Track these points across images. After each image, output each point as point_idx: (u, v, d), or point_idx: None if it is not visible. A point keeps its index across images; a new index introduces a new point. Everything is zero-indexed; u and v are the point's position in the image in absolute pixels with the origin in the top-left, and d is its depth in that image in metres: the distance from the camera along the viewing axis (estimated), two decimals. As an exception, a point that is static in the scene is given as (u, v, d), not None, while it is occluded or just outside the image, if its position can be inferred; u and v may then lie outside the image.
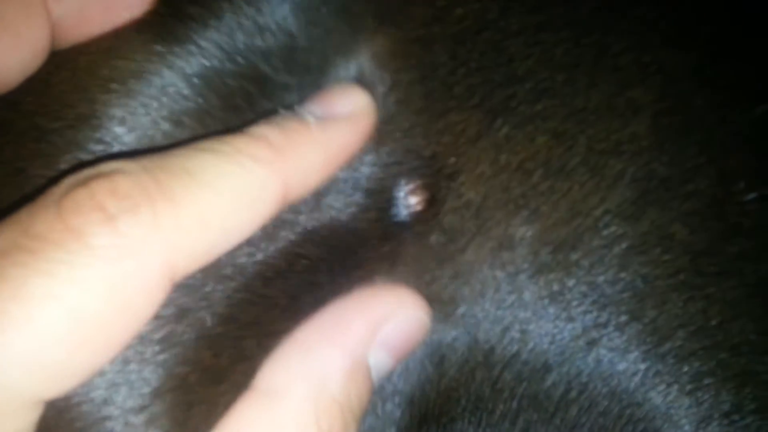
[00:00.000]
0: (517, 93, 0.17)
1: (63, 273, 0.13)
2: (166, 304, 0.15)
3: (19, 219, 0.14)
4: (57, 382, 0.13)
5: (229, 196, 0.14)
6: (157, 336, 0.16)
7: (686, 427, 0.17)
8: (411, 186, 0.17)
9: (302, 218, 0.17)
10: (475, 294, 0.17)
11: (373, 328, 0.16)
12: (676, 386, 0.17)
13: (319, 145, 0.16)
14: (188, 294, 0.16)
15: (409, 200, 0.17)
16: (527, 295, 0.17)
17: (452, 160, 0.17)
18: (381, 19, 0.18)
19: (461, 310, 0.17)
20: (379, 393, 0.17)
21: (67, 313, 0.13)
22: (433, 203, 0.17)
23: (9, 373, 0.13)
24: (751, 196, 0.18)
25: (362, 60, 0.18)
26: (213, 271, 0.16)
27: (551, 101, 0.17)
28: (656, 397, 0.17)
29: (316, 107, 0.17)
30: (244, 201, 0.15)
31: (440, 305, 0.17)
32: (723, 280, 0.17)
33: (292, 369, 0.16)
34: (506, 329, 0.17)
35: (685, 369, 0.17)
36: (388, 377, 0.17)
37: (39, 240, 0.13)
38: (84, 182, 0.14)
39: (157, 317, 0.16)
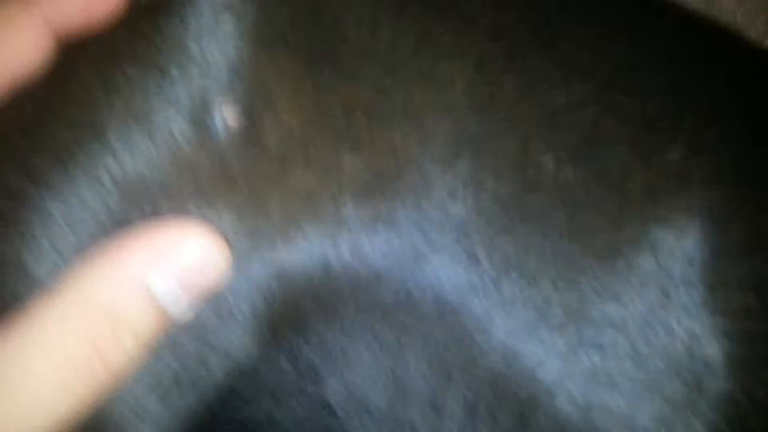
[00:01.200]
0: (340, 50, 0.21)
1: None
2: None
3: None
4: None
5: None
6: None
7: (496, 336, 0.20)
8: (227, 104, 0.20)
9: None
10: (310, 216, 0.20)
11: (156, 253, 0.18)
12: (491, 301, 0.20)
13: None
14: None
15: (226, 119, 0.20)
16: (358, 216, 0.20)
17: (274, 89, 0.20)
18: None
19: (299, 231, 0.20)
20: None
21: None
22: (251, 126, 0.20)
23: None
24: (548, 158, 0.22)
25: None
26: None
27: (373, 63, 0.21)
28: (474, 307, 0.20)
29: None
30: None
31: (278, 227, 0.20)
32: (525, 223, 0.21)
33: (72, 280, 0.17)
34: (341, 246, 0.20)
35: (499, 289, 0.20)
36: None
37: None
38: None
39: None
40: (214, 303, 0.19)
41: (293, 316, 0.20)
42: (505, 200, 0.21)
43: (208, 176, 0.19)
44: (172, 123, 0.19)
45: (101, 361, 0.17)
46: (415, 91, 0.21)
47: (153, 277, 0.17)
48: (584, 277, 0.21)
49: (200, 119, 0.19)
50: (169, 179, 0.19)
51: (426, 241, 0.20)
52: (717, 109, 0.24)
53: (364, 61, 0.21)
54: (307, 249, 0.20)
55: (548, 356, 0.20)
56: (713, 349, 0.21)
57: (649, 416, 0.20)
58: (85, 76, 0.20)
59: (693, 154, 0.23)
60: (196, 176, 0.19)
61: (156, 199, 0.19)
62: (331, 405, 0.20)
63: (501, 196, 0.21)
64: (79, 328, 0.17)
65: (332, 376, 0.20)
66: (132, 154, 0.19)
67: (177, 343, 0.19)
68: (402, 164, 0.20)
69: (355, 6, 0.21)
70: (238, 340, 0.20)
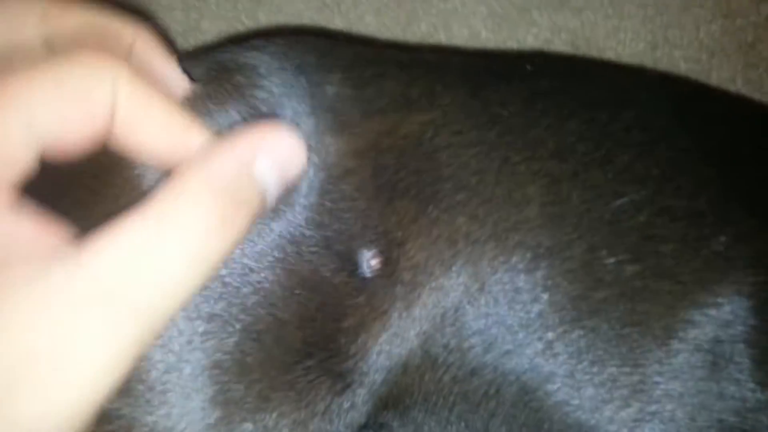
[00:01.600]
0: (443, 188, 0.26)
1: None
2: None
3: None
4: None
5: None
6: None
7: (572, 416, 0.25)
8: (372, 251, 0.25)
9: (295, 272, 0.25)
10: (430, 322, 0.25)
11: (258, 141, 0.20)
12: (566, 386, 0.25)
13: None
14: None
15: (371, 262, 0.25)
16: (461, 320, 0.25)
17: (399, 233, 0.25)
18: (343, 127, 0.26)
19: (420, 333, 0.25)
20: (369, 384, 0.25)
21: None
22: (388, 263, 0.25)
23: None
24: (611, 260, 0.27)
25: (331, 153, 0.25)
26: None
27: (467, 194, 0.26)
28: (551, 393, 0.25)
29: None
30: None
31: (406, 330, 0.25)
32: (592, 316, 0.25)
33: (193, 166, 0.19)
34: (447, 344, 0.25)
35: (573, 374, 0.25)
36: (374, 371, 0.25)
37: None
38: None
39: None
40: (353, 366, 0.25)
41: (397, 400, 0.26)
42: (575, 298, 0.26)
43: (358, 308, 0.25)
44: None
45: (230, 231, 0.19)
46: (501, 215, 0.26)
47: (259, 162, 0.20)
48: (646, 359, 0.25)
49: (351, 261, 0.25)
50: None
51: (513, 340, 0.25)
52: (758, 198, 0.28)
53: (460, 194, 0.26)
54: (422, 344, 0.25)
55: (618, 429, 0.24)
56: (763, 417, 0.25)
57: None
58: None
59: (737, 242, 0.27)
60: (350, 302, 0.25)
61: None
62: None
63: (572, 295, 0.26)
64: (208, 203, 0.19)
65: None
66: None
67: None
68: (495, 276, 0.26)
69: (448, 146, 0.27)
70: (347, 412, 0.25)
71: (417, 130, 0.26)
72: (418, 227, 0.26)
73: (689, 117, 0.31)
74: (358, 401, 0.25)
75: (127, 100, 0.19)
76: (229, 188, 0.19)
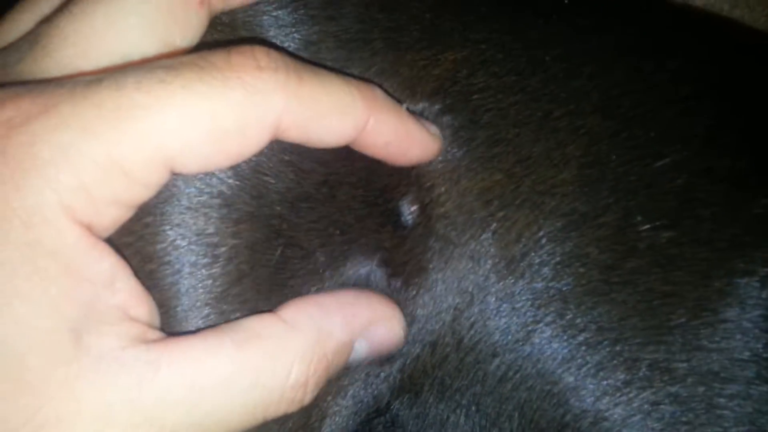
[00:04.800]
0: (478, 136, 0.24)
1: (215, 85, 0.17)
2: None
3: (200, 53, 0.18)
4: (187, 159, 0.18)
5: (335, 95, 0.19)
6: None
7: (588, 399, 0.24)
8: (409, 199, 0.24)
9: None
10: (461, 294, 0.24)
11: (369, 321, 0.21)
12: (585, 368, 0.24)
13: (404, 123, 0.21)
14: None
15: (411, 209, 0.24)
16: (489, 297, 0.24)
17: (429, 178, 0.24)
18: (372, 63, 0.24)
19: (451, 306, 0.24)
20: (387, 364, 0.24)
21: (207, 110, 0.17)
22: (423, 210, 0.24)
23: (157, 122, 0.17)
24: (646, 226, 0.25)
25: None
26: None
27: (505, 148, 0.24)
28: (570, 377, 0.24)
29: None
30: (342, 106, 0.19)
31: (435, 302, 0.24)
32: (622, 287, 0.24)
33: (310, 316, 0.19)
34: (474, 323, 0.24)
35: (592, 359, 0.24)
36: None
37: (209, 64, 0.18)
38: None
39: None
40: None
41: (416, 381, 0.25)
42: (606, 268, 0.25)
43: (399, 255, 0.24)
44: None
45: (302, 391, 0.19)
46: (538, 176, 0.24)
47: (359, 342, 0.20)
48: (673, 334, 0.24)
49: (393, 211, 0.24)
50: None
51: (537, 316, 0.24)
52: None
53: (497, 147, 0.24)
54: (452, 321, 0.25)
55: (633, 413, 0.24)
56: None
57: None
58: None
59: (780, 204, 0.26)
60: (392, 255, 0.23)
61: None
62: None
63: (602, 266, 0.25)
64: (309, 358, 0.19)
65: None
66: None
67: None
68: (525, 248, 0.24)
69: (485, 88, 0.25)
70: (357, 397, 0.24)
71: (450, 69, 0.24)
72: (448, 172, 0.24)
73: (737, 66, 0.28)
74: (391, 371, 0.24)
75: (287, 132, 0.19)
76: (328, 353, 0.19)
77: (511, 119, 0.25)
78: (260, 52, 0.18)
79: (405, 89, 0.24)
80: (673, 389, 0.24)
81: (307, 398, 0.19)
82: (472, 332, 0.24)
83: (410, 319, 0.24)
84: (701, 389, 0.24)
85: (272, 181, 0.22)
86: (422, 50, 0.24)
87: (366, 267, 0.23)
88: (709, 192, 0.25)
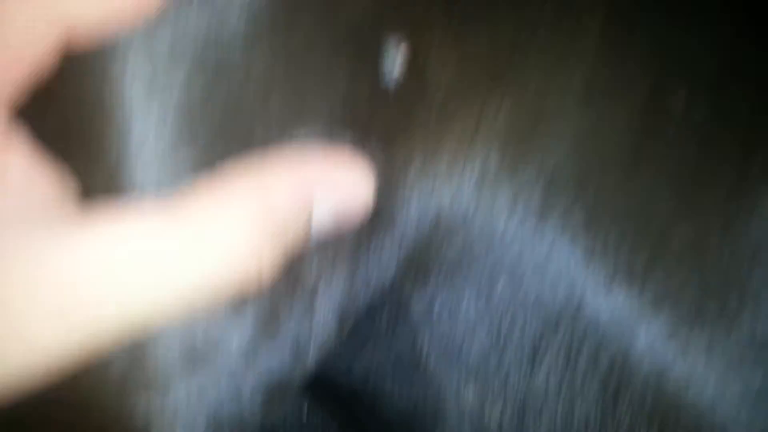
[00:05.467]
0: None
1: None
2: None
3: None
4: None
5: None
6: None
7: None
8: (396, 40, 0.20)
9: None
10: (462, 162, 0.21)
11: (324, 175, 0.18)
12: (603, 250, 0.22)
13: None
14: None
15: (397, 49, 0.20)
16: (492, 168, 0.21)
17: (430, 38, 0.21)
18: None
19: (450, 179, 0.21)
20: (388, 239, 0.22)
21: None
22: (415, 56, 0.20)
23: None
24: (678, 105, 0.22)
25: None
26: None
27: (506, 13, 0.21)
28: (587, 260, 0.22)
29: None
30: None
31: (435, 173, 0.21)
32: (654, 162, 0.22)
33: (249, 178, 0.17)
34: (479, 201, 0.21)
35: (615, 238, 0.21)
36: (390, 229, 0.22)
37: None
38: None
39: None
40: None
41: (422, 263, 0.22)
42: (630, 147, 0.22)
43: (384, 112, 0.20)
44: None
45: (266, 252, 0.17)
46: (549, 39, 0.22)
47: (318, 191, 0.18)
48: (708, 215, 0.22)
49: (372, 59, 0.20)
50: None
51: (546, 201, 0.21)
52: None
53: (499, 5, 0.21)
54: (447, 198, 0.22)
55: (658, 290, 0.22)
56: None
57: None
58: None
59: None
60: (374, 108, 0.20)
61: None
62: (420, 356, 0.22)
63: (627, 143, 0.22)
64: (257, 216, 0.17)
65: (427, 327, 0.22)
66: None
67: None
68: (542, 112, 0.22)
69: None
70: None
71: None
72: (445, 33, 0.21)
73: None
74: (392, 246, 0.22)
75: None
76: (279, 209, 0.17)
77: None
78: None
79: None
80: (702, 272, 0.21)
81: (264, 271, 0.17)
82: (477, 212, 0.22)
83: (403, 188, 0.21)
84: (733, 273, 0.21)
85: None
86: None
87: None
88: (750, 68, 0.23)
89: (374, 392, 0.23)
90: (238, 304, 0.19)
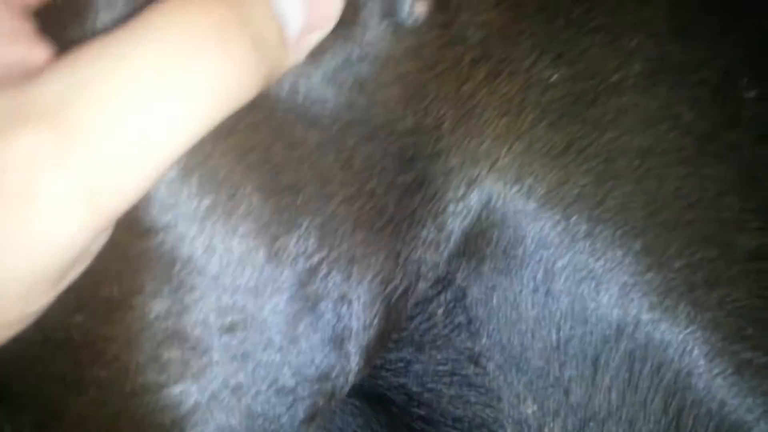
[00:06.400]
0: None
1: None
2: None
3: None
4: None
5: None
6: None
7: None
8: None
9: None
10: (511, 131, 0.19)
11: None
12: (667, 251, 0.19)
13: None
14: None
15: (415, 5, 0.18)
16: (544, 145, 0.19)
17: None
18: None
19: (504, 153, 0.19)
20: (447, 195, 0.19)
21: None
22: (441, 9, 0.18)
23: None
24: (752, 93, 0.20)
25: None
26: None
27: None
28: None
29: None
30: None
31: (488, 137, 0.19)
32: (719, 161, 0.20)
33: None
34: (525, 176, 0.19)
35: (675, 236, 0.19)
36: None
37: None
38: None
39: None
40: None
41: (475, 250, 0.20)
42: (701, 136, 0.20)
43: (404, 68, 0.18)
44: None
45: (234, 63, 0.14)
46: (616, 6, 0.19)
47: None
48: None
49: (389, 7, 0.18)
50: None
51: (605, 178, 0.19)
52: None
53: None
54: (496, 185, 0.19)
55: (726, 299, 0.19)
56: None
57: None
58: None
59: None
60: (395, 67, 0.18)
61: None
62: (479, 362, 0.20)
63: (697, 132, 0.20)
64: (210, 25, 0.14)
65: (487, 330, 0.20)
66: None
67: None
68: (599, 87, 0.19)
69: None
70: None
71: None
72: None
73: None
74: (447, 230, 0.19)
75: None
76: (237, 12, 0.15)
77: None
78: None
79: None
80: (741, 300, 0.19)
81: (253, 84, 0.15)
82: (528, 190, 0.19)
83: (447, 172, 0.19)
84: None
85: None
86: None
87: None
88: None
89: (431, 398, 0.20)
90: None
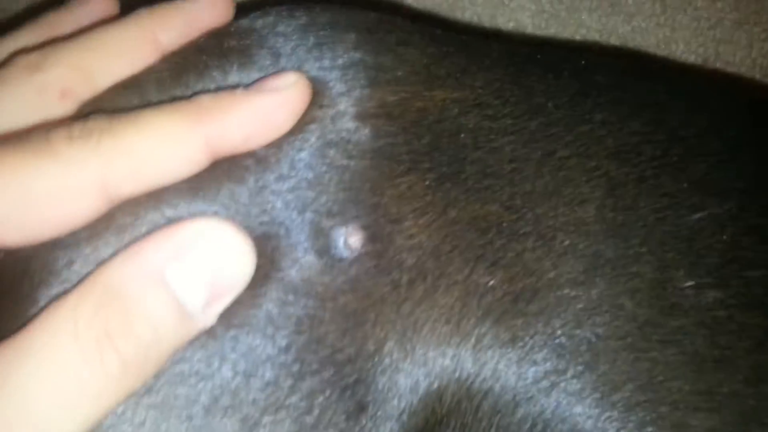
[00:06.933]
0: (465, 170, 0.21)
1: (28, 160, 0.18)
2: None
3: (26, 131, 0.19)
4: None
5: (155, 137, 0.18)
6: None
7: None
8: (349, 228, 0.20)
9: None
10: (453, 333, 0.20)
11: (177, 247, 0.17)
12: (624, 430, 0.20)
13: (240, 107, 0.19)
14: None
15: (350, 239, 0.20)
16: (493, 340, 0.20)
17: (395, 209, 0.20)
18: (345, 91, 0.21)
19: (443, 347, 0.20)
20: (388, 410, 0.20)
21: (21, 184, 0.17)
22: (374, 240, 0.20)
23: None
24: (688, 283, 0.22)
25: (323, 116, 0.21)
26: None
27: (498, 182, 0.21)
28: None
29: (252, 85, 0.20)
30: (166, 142, 0.18)
31: (421, 341, 0.20)
32: (665, 347, 0.20)
33: (97, 274, 0.17)
34: (481, 367, 0.20)
35: (631, 418, 0.20)
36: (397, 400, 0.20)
37: (26, 141, 0.18)
38: (70, 123, 0.19)
39: None
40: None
41: (431, 428, 0.20)
42: (644, 324, 0.21)
43: (343, 300, 0.20)
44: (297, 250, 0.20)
45: (114, 349, 0.16)
46: (546, 210, 0.21)
47: (172, 269, 0.17)
48: (727, 403, 0.20)
49: (322, 245, 0.20)
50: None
51: (558, 368, 0.20)
52: None
53: (488, 180, 0.21)
54: (449, 367, 0.20)
55: None
56: None
57: None
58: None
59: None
60: (333, 301, 0.20)
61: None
62: None
63: (640, 321, 0.21)
64: (88, 311, 0.16)
65: None
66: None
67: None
68: (537, 285, 0.21)
69: (476, 128, 0.22)
70: None
71: (438, 106, 0.22)
72: (425, 204, 0.21)
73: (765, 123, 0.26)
74: (393, 419, 0.20)
75: None
76: (122, 296, 0.16)
77: (506, 156, 0.22)
78: (76, 125, 0.18)
79: (372, 115, 0.22)
80: None
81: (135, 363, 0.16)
82: (480, 377, 0.20)
83: (368, 360, 0.20)
84: None
85: None
86: (408, 85, 0.22)
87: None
88: (757, 252, 0.22)
89: None
90: None
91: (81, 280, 0.17)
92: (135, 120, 0.19)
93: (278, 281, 0.19)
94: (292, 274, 0.19)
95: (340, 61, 0.22)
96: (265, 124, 0.19)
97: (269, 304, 0.19)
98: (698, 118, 0.25)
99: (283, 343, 0.19)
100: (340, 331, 0.19)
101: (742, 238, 0.22)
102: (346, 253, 0.20)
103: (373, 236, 0.20)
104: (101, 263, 0.18)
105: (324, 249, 0.19)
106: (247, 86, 0.20)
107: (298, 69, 0.21)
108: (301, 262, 0.20)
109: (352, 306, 0.20)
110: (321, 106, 0.21)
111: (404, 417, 0.20)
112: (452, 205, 0.21)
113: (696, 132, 0.24)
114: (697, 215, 0.22)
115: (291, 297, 0.19)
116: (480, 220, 0.21)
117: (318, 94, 0.21)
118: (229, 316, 0.19)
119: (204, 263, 0.17)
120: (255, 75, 0.21)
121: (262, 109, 0.19)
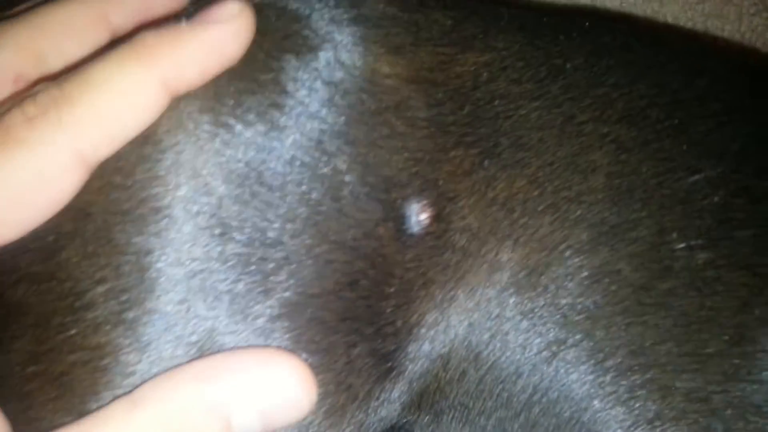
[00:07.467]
0: (501, 143, 0.22)
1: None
2: None
3: None
4: None
5: (113, 92, 0.18)
6: None
7: (618, 431, 0.22)
8: (421, 203, 0.21)
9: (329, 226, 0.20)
10: (475, 307, 0.22)
11: (243, 382, 0.17)
12: (614, 396, 0.22)
13: (190, 42, 0.19)
14: None
15: (420, 216, 0.21)
16: (508, 311, 0.22)
17: (452, 186, 0.21)
18: (393, 50, 0.22)
19: (464, 319, 0.22)
20: (406, 375, 0.22)
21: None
22: (438, 220, 0.21)
23: None
24: (681, 245, 0.23)
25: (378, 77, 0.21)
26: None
27: (527, 154, 0.22)
28: (599, 404, 0.22)
29: (194, 18, 0.19)
30: (127, 96, 0.18)
31: (448, 314, 0.22)
32: (656, 310, 0.22)
33: (158, 387, 0.17)
34: (492, 337, 0.22)
35: (622, 383, 0.21)
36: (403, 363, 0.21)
37: None
38: (20, 102, 0.18)
39: None
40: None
41: (431, 400, 0.22)
42: (639, 288, 0.22)
43: (404, 270, 0.21)
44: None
45: None
46: (563, 182, 0.22)
47: (236, 408, 0.17)
48: (710, 363, 0.22)
49: (397, 212, 0.21)
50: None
51: (560, 335, 0.22)
52: None
53: (520, 153, 0.22)
54: (466, 333, 0.22)
55: None
56: None
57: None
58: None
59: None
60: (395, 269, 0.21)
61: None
62: None
63: (636, 285, 0.22)
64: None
65: None
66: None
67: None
68: (548, 258, 0.22)
69: (506, 95, 0.23)
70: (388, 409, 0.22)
71: (472, 71, 0.23)
72: (472, 183, 0.22)
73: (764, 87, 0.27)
74: (396, 391, 0.21)
75: None
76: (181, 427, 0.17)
77: (532, 123, 0.23)
78: (28, 102, 0.18)
79: (424, 79, 0.22)
80: (709, 422, 0.21)
81: None
82: (490, 347, 0.21)
83: (409, 332, 0.21)
84: (740, 424, 0.21)
85: None
86: (443, 46, 0.23)
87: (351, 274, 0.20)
88: (747, 212, 0.23)
89: None
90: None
91: (145, 391, 0.17)
92: (86, 79, 0.18)
93: (348, 249, 0.20)
94: (363, 243, 0.20)
95: (374, 13, 0.22)
96: (218, 57, 0.19)
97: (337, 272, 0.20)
98: (698, 81, 0.26)
99: (346, 314, 0.20)
100: (395, 306, 0.21)
101: (733, 199, 0.23)
102: (416, 229, 0.21)
103: (438, 215, 0.21)
104: (169, 381, 0.18)
105: (398, 222, 0.20)
106: (189, 18, 0.19)
107: (330, 21, 0.21)
108: (372, 233, 0.21)
109: (412, 283, 0.21)
110: (360, 65, 0.21)
111: (414, 383, 0.21)
112: (491, 185, 0.22)
113: (696, 95, 0.25)
114: (694, 178, 0.23)
115: (360, 265, 0.20)
116: (510, 200, 0.22)
117: (352, 49, 0.21)
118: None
119: (267, 405, 0.18)
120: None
121: (212, 42, 0.19)
